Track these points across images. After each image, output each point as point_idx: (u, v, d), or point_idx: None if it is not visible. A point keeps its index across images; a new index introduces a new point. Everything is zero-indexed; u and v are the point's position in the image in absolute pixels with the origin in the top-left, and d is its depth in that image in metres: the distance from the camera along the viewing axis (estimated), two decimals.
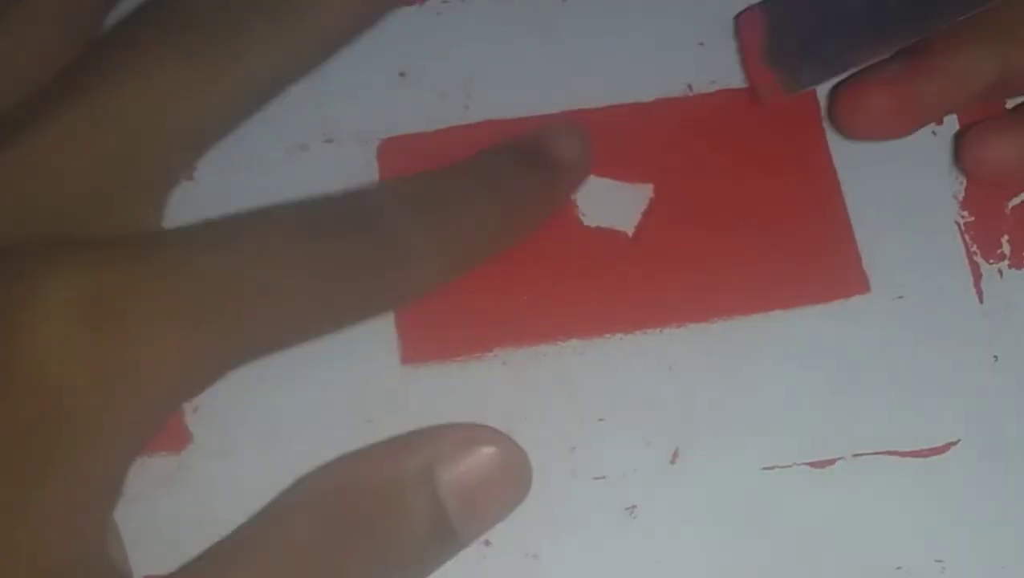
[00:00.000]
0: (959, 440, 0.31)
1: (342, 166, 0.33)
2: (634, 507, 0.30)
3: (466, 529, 0.27)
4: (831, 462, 0.30)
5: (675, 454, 0.30)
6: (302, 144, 0.33)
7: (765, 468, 0.30)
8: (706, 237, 0.32)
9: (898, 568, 0.30)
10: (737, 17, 0.33)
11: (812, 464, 0.30)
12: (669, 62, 0.33)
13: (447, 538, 0.27)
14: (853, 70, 0.31)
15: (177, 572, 0.25)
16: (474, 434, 0.27)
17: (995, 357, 0.32)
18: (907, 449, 0.31)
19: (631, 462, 0.30)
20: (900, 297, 0.32)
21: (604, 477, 0.30)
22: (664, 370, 0.31)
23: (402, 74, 0.33)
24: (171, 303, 0.23)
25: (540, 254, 0.32)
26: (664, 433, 0.31)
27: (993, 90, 0.31)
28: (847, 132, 0.32)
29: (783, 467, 0.30)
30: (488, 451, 0.27)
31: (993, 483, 0.30)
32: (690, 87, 0.33)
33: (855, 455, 0.30)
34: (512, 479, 0.27)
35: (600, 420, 0.31)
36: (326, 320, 0.26)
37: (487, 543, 0.30)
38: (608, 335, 0.31)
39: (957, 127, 0.33)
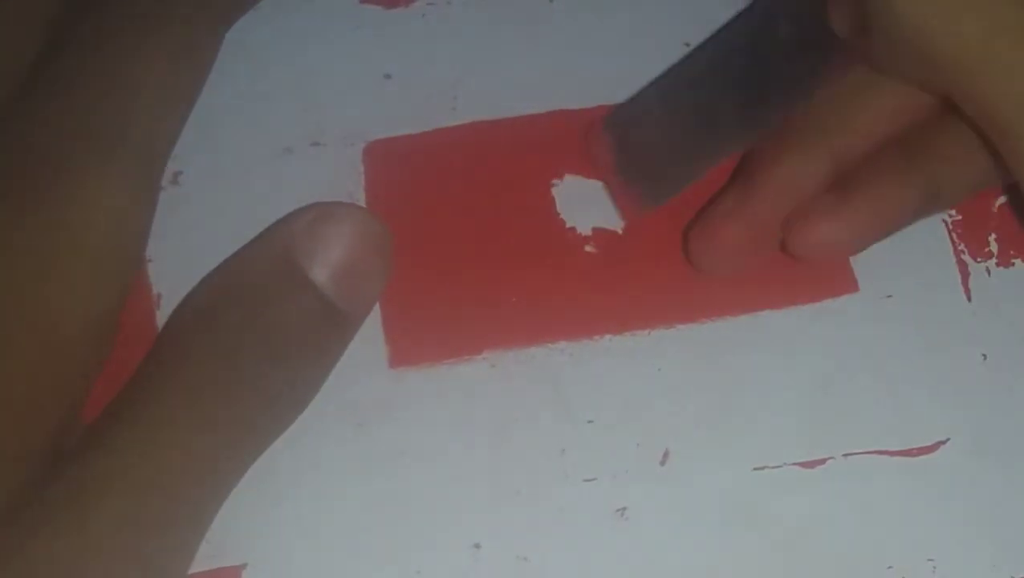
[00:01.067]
0: (948, 439, 0.31)
1: (328, 169, 0.33)
2: (624, 509, 0.30)
3: (352, 306, 0.28)
4: (821, 462, 0.30)
5: (665, 455, 0.30)
6: (288, 147, 0.33)
7: (755, 468, 0.30)
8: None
9: (889, 567, 0.30)
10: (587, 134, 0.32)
11: (802, 464, 0.30)
12: (655, 62, 0.33)
13: (338, 320, 0.28)
14: (704, 174, 0.31)
15: (98, 418, 0.27)
16: (324, 212, 0.28)
17: (984, 356, 0.32)
18: (897, 448, 0.31)
19: (621, 464, 0.30)
20: (889, 296, 0.32)
21: (594, 479, 0.30)
22: (653, 371, 0.31)
23: (388, 76, 0.33)
24: None
25: (527, 256, 0.32)
26: (654, 434, 0.31)
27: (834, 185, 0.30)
28: (708, 270, 0.31)
29: (773, 467, 0.30)
30: (341, 228, 0.28)
31: (983, 481, 0.30)
32: None
33: (845, 455, 0.30)
34: (373, 246, 0.28)
35: (589, 422, 0.31)
36: None
37: (477, 546, 0.29)
38: (597, 336, 0.31)
39: None
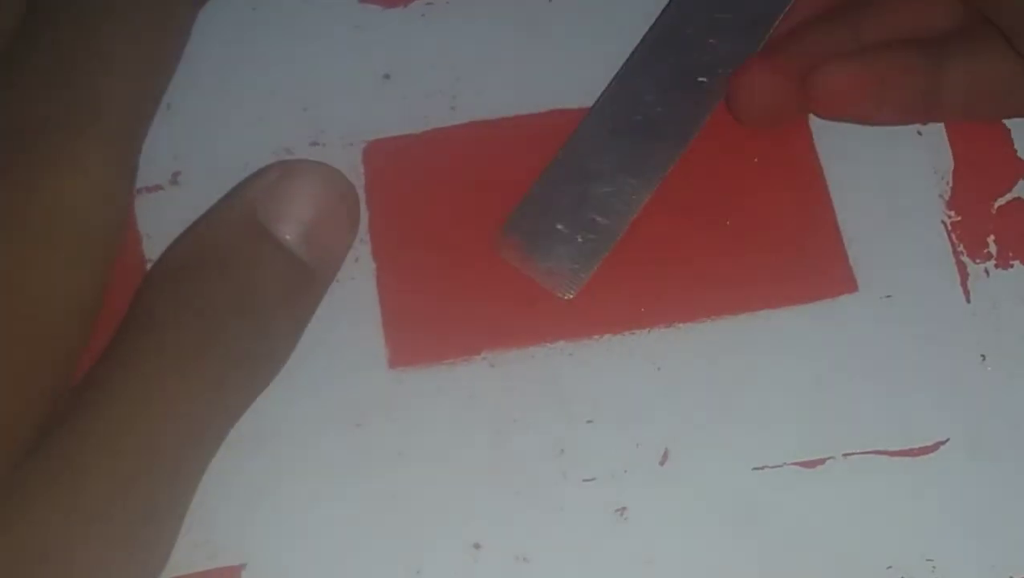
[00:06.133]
0: (948, 439, 0.31)
1: None
2: (624, 509, 0.30)
3: (320, 262, 0.28)
4: (821, 462, 0.30)
5: (665, 455, 0.30)
6: (287, 148, 0.33)
7: (755, 468, 0.30)
8: (694, 237, 0.32)
9: (889, 567, 0.30)
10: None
11: (802, 464, 0.30)
12: None
13: (308, 276, 0.28)
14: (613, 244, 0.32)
15: (80, 385, 0.26)
16: (288, 169, 0.28)
17: (982, 356, 0.32)
18: (896, 448, 0.31)
19: (621, 463, 0.30)
20: (888, 296, 0.32)
21: (594, 479, 0.30)
22: (653, 371, 0.31)
23: (387, 76, 0.33)
24: None
25: None
26: (653, 434, 0.30)
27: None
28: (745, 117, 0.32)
29: (773, 467, 0.30)
30: (305, 184, 0.28)
31: (982, 481, 0.30)
32: None
33: (845, 455, 0.30)
34: (339, 202, 0.28)
35: (589, 422, 0.31)
36: None
37: (477, 546, 0.29)
38: (596, 336, 0.31)
39: (944, 129, 0.33)
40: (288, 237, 0.28)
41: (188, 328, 0.27)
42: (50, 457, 0.25)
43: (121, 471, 0.25)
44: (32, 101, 0.27)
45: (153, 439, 0.26)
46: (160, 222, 0.30)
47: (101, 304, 0.28)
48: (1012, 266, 0.32)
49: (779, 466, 0.30)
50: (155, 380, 0.26)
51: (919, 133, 0.33)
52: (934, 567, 0.30)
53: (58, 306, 0.26)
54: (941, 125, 0.33)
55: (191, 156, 0.32)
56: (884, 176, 0.33)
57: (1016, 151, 0.33)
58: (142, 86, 0.29)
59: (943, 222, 0.33)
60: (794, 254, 0.32)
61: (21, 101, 0.27)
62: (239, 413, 0.28)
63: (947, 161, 0.33)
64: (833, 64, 0.31)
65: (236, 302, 0.27)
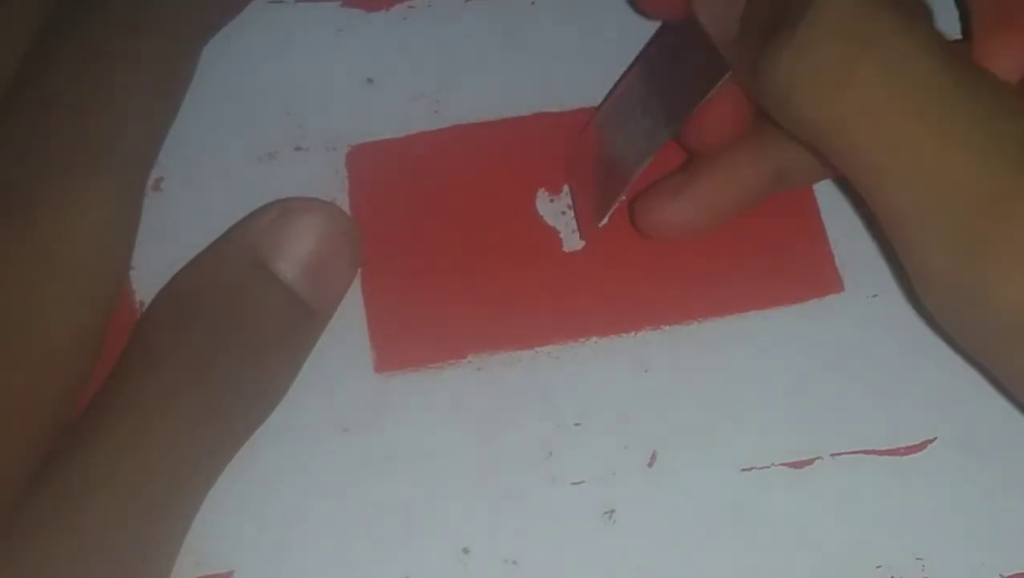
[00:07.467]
0: (935, 437, 0.31)
1: (311, 174, 0.32)
2: (612, 511, 0.30)
3: (320, 300, 0.29)
4: (809, 462, 0.30)
5: (653, 457, 0.30)
6: (271, 152, 0.33)
7: (743, 469, 0.30)
8: (680, 239, 0.32)
9: (878, 566, 0.29)
10: None
11: (790, 464, 0.30)
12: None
13: (307, 314, 0.28)
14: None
15: (80, 420, 0.27)
16: (288, 207, 0.29)
17: None
18: (884, 447, 0.31)
19: (609, 466, 0.30)
20: (874, 296, 0.32)
21: (582, 482, 0.30)
22: (640, 373, 0.31)
23: (370, 80, 0.33)
24: None
25: (512, 259, 0.32)
26: (641, 436, 0.30)
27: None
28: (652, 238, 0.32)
29: (761, 468, 0.30)
30: (305, 223, 0.28)
31: (970, 479, 0.30)
32: None
33: (833, 455, 0.30)
34: (339, 239, 0.29)
35: (577, 425, 0.31)
36: None
37: (466, 550, 0.29)
38: (583, 339, 0.31)
39: None
40: (288, 275, 0.28)
41: (186, 363, 0.27)
42: (50, 490, 0.25)
43: (117, 503, 0.25)
44: (43, 142, 0.27)
45: (150, 475, 0.26)
46: (143, 229, 0.30)
47: (104, 339, 0.28)
48: None
49: (767, 467, 0.30)
50: (152, 414, 0.26)
51: None
52: (923, 566, 0.30)
53: (64, 339, 0.27)
54: None
55: (174, 162, 0.32)
56: None
57: None
58: (151, 124, 0.29)
59: None
60: (780, 255, 0.32)
61: (32, 141, 0.27)
62: (236, 447, 0.28)
63: None
64: (661, 203, 0.31)
65: (234, 338, 0.27)
